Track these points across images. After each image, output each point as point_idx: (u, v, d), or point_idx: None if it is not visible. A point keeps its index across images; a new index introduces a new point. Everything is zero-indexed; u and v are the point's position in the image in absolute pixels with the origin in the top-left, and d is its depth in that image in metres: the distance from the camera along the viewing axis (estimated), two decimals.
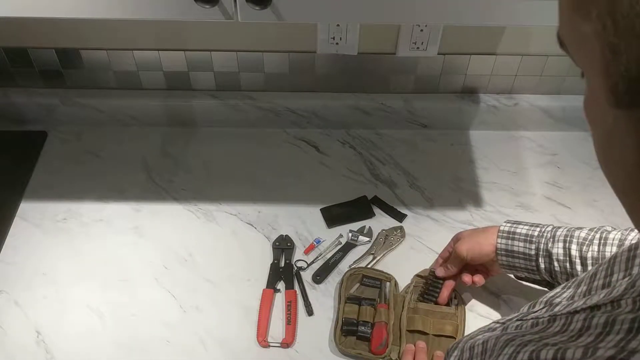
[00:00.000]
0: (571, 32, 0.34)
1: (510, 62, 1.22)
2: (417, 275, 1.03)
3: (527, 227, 0.89)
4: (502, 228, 0.91)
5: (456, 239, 0.99)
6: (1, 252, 1.09)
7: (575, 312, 0.50)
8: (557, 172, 1.25)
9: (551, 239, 0.86)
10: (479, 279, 0.96)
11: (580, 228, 0.87)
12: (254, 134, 1.31)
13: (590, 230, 0.87)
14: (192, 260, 1.09)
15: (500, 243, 0.90)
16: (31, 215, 1.15)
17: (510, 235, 0.89)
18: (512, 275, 0.98)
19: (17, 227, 1.13)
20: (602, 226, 0.88)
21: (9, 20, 1.12)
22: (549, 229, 0.88)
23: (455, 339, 0.95)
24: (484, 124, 1.31)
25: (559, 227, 0.88)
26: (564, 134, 1.32)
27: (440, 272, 0.99)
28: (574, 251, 0.84)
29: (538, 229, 0.88)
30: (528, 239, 0.88)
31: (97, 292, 1.04)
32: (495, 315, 1.01)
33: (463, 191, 1.21)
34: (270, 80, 1.26)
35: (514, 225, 0.90)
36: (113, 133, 1.30)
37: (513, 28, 1.16)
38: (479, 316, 1.00)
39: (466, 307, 1.00)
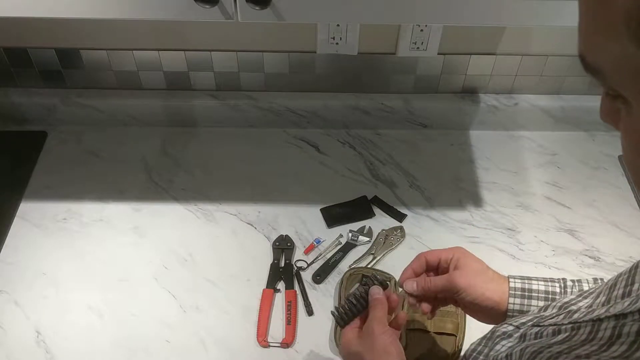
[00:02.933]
0: (620, 61, 0.33)
1: (510, 62, 1.22)
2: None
3: (542, 283, 0.76)
4: (512, 285, 0.75)
5: (456, 264, 0.78)
6: (1, 252, 1.09)
7: (599, 319, 0.49)
8: (557, 172, 1.25)
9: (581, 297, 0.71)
10: (429, 309, 0.81)
11: (604, 280, 0.72)
12: (254, 134, 1.31)
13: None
14: (192, 260, 1.09)
15: (514, 304, 0.74)
16: (31, 215, 1.15)
17: (527, 294, 0.75)
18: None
19: (17, 227, 1.13)
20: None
21: (9, 20, 1.12)
22: (569, 284, 0.75)
23: (456, 336, 0.95)
24: (484, 124, 1.31)
25: (579, 281, 0.76)
26: (564, 134, 1.32)
27: (411, 286, 0.79)
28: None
29: (557, 284, 0.75)
30: (550, 296, 0.74)
31: (97, 292, 1.04)
32: None
33: (463, 191, 1.21)
34: (270, 80, 1.26)
35: (526, 282, 0.76)
36: (113, 133, 1.30)
37: (513, 28, 1.16)
38: None
39: None
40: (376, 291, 0.77)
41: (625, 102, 0.37)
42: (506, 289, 0.75)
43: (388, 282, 0.78)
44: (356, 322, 0.77)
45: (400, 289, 0.81)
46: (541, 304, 0.74)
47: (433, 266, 0.81)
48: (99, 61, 1.22)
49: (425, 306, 0.80)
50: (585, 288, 0.74)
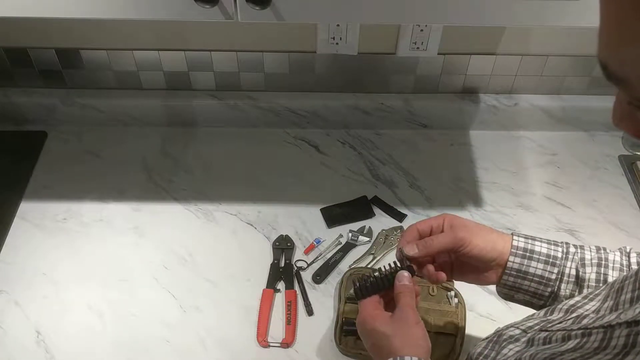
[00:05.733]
0: None
1: (510, 62, 1.22)
2: (417, 275, 1.03)
3: (546, 245, 0.75)
4: (515, 243, 0.75)
5: (451, 224, 0.77)
6: (1, 252, 1.09)
7: (610, 326, 0.49)
8: (557, 172, 1.25)
9: (580, 263, 0.74)
10: (443, 277, 0.77)
11: (606, 250, 0.75)
12: (254, 134, 1.31)
13: (621, 253, 0.75)
14: (192, 260, 1.09)
15: (514, 262, 0.74)
16: (31, 215, 1.15)
17: (527, 254, 0.74)
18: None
19: (17, 227, 1.13)
20: (624, 247, 0.77)
21: (9, 20, 1.12)
22: (572, 250, 0.75)
23: (455, 336, 0.95)
24: (484, 124, 1.31)
25: (582, 247, 0.76)
26: (564, 134, 1.32)
27: (412, 249, 0.75)
28: (611, 277, 0.72)
29: (560, 249, 0.75)
30: (550, 260, 0.74)
31: (97, 292, 1.04)
32: (495, 316, 1.01)
33: (463, 191, 1.21)
34: (270, 80, 1.26)
35: (529, 242, 0.75)
36: (113, 133, 1.30)
37: (513, 28, 1.16)
38: (479, 316, 1.00)
39: (466, 307, 1.00)
40: (406, 276, 0.75)
41: None
42: (508, 245, 0.75)
43: (415, 269, 0.77)
44: (376, 297, 0.75)
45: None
46: (540, 266, 0.73)
47: (425, 235, 0.78)
48: (99, 61, 1.22)
49: (431, 268, 0.76)
50: (587, 256, 0.74)
